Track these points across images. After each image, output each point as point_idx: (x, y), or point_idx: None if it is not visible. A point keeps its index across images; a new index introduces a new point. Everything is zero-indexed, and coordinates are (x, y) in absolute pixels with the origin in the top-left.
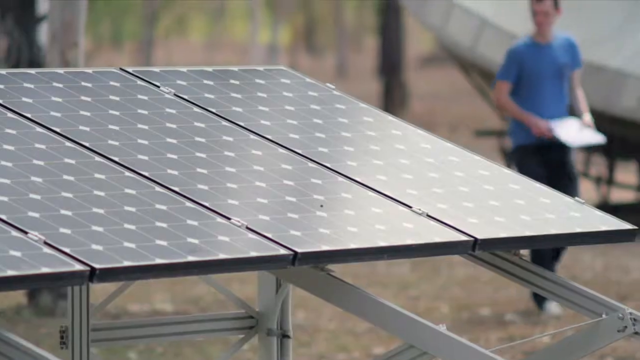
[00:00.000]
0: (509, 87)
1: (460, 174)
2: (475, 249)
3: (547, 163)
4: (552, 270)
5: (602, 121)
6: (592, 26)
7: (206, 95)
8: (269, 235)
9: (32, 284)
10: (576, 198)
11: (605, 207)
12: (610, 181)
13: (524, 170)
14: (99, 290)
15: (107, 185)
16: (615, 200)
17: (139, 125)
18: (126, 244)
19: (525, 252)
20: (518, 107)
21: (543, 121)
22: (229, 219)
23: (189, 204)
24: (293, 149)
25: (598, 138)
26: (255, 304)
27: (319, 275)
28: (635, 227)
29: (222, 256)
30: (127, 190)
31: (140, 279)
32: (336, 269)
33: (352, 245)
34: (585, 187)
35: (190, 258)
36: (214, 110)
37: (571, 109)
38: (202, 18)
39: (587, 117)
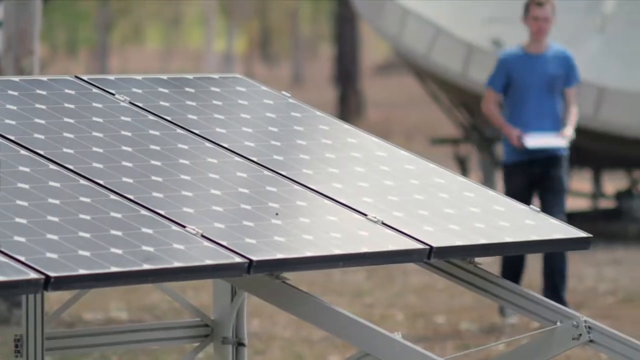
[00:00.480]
0: (496, 96)
1: (415, 181)
2: (431, 257)
3: (532, 178)
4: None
5: None
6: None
7: (161, 103)
8: (224, 243)
9: None
10: (531, 206)
11: None
12: None
13: (508, 187)
14: (54, 298)
15: (62, 193)
16: (570, 208)
17: (94, 133)
18: (81, 252)
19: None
20: (499, 117)
21: (515, 131)
22: (184, 227)
23: (144, 212)
24: (248, 156)
25: (559, 142)
26: (210, 312)
27: (274, 283)
28: (590, 235)
29: (177, 264)
30: (82, 199)
31: (95, 287)
32: (291, 276)
33: (307, 253)
34: None
35: (145, 266)
36: (169, 118)
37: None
38: (158, 26)
39: (568, 130)
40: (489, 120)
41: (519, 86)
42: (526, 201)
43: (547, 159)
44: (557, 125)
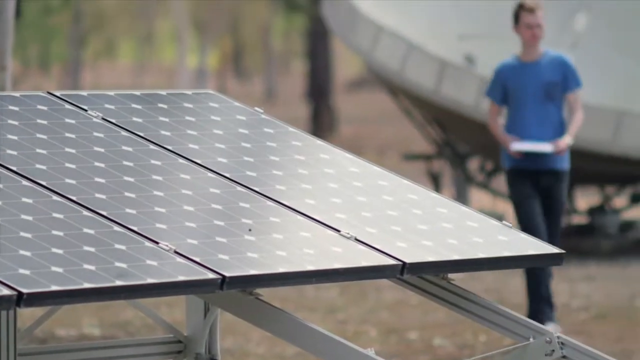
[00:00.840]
0: (497, 108)
1: (388, 197)
2: (404, 273)
3: (536, 189)
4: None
5: None
6: (509, 55)
7: (134, 119)
8: (197, 260)
9: None
10: (504, 222)
11: None
12: None
13: (513, 190)
14: (27, 314)
15: (34, 209)
16: None
17: (67, 149)
18: (54, 268)
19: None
20: (497, 127)
21: (508, 139)
22: (157, 243)
23: (117, 228)
24: (221, 172)
25: (545, 147)
26: (183, 328)
27: (247, 300)
28: (563, 251)
29: (150, 280)
30: (55, 215)
31: (67, 303)
32: (264, 292)
33: (281, 269)
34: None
35: (118, 282)
36: (142, 134)
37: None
38: (131, 41)
39: (566, 139)
40: (492, 131)
41: (515, 95)
42: (534, 201)
43: (548, 172)
44: (558, 133)
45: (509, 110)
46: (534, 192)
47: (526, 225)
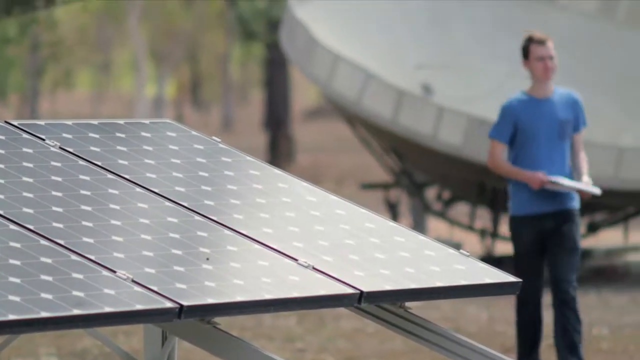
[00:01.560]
0: (503, 148)
1: (346, 226)
2: (361, 301)
3: (543, 233)
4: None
5: (486, 176)
6: (476, 83)
7: (92, 148)
8: (155, 288)
9: None
10: (461, 250)
11: (490, 259)
12: (494, 234)
13: (517, 243)
14: None
15: None
16: (499, 252)
17: (24, 178)
18: (11, 297)
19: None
20: (511, 167)
21: (537, 173)
22: (114, 272)
23: (74, 257)
24: (179, 202)
25: (595, 190)
26: (141, 357)
27: (205, 328)
28: (520, 280)
29: (107, 309)
30: (12, 244)
31: (25, 332)
32: (222, 321)
33: (238, 298)
34: (470, 239)
35: (76, 311)
36: (99, 163)
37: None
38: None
39: (586, 178)
40: (499, 174)
41: (527, 134)
42: (536, 257)
43: (559, 212)
44: (567, 174)
45: (517, 150)
46: (540, 247)
47: (523, 283)
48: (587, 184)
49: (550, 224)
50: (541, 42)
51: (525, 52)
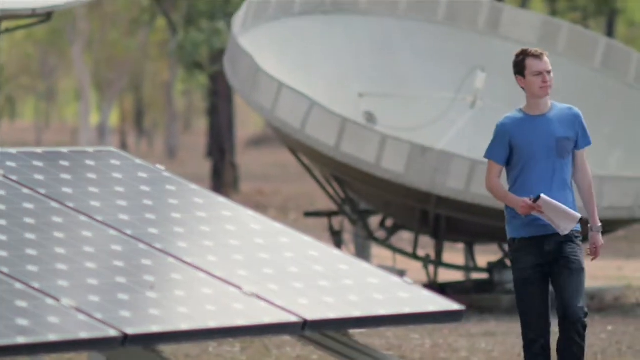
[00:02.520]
0: (498, 168)
1: (290, 254)
2: (305, 329)
3: (545, 257)
4: None
5: (429, 203)
6: (419, 112)
7: (35, 176)
8: (99, 317)
9: None
10: (404, 278)
11: (433, 286)
12: (437, 261)
13: (517, 267)
14: None
15: None
16: (442, 279)
17: None
18: None
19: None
20: (503, 190)
21: (521, 199)
22: (58, 300)
23: (18, 285)
24: (123, 230)
25: (574, 215)
26: None
27: (149, 356)
28: (463, 308)
29: (51, 338)
30: None
31: None
32: (167, 349)
33: (183, 326)
34: (414, 267)
35: (20, 340)
36: (43, 192)
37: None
38: (32, 99)
39: (597, 236)
40: (493, 196)
41: (523, 153)
42: (539, 284)
43: (556, 235)
44: (569, 194)
45: (512, 171)
46: (539, 269)
47: (526, 313)
48: (569, 211)
49: (551, 247)
50: (538, 56)
51: (520, 68)
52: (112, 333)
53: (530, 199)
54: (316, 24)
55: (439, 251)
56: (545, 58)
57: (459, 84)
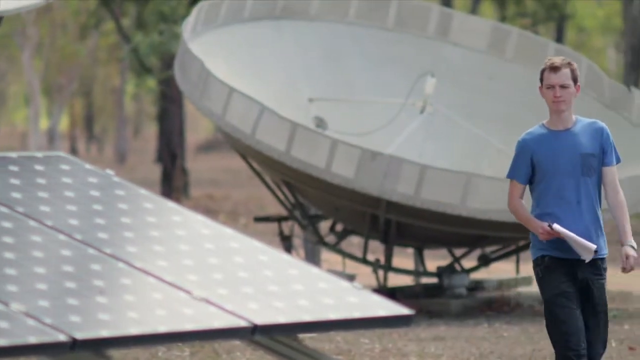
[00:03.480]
0: (520, 188)
1: (240, 259)
2: (255, 334)
3: (574, 281)
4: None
5: (378, 208)
6: (370, 118)
7: None
8: (48, 321)
9: None
10: (354, 283)
11: (383, 291)
12: (388, 266)
13: (542, 287)
14: None
15: None
16: (392, 284)
17: None
18: None
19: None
20: (525, 213)
21: (541, 223)
22: (7, 305)
23: None
24: (73, 235)
25: (590, 247)
26: None
27: None
28: (412, 312)
29: (0, 342)
30: None
31: None
32: (116, 353)
33: (132, 331)
34: (364, 272)
35: None
36: None
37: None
38: None
39: (628, 249)
40: (516, 218)
41: (546, 171)
42: (569, 300)
43: (588, 265)
44: (596, 216)
45: (535, 190)
46: (571, 286)
47: (562, 329)
48: (585, 242)
49: (583, 275)
50: (554, 69)
51: (541, 78)
52: (62, 338)
53: (548, 225)
54: (266, 30)
55: (388, 256)
56: (564, 70)
57: (409, 90)
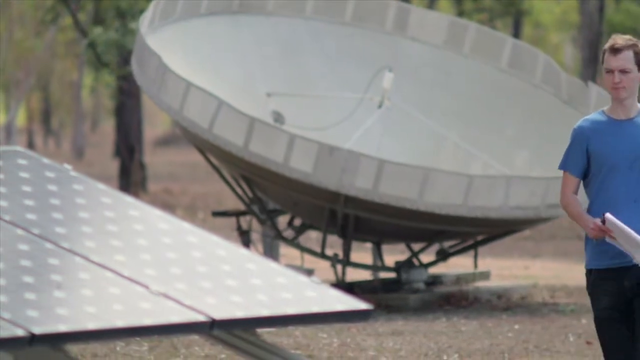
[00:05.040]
0: (574, 181)
1: (198, 254)
2: (213, 329)
3: (622, 293)
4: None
5: (337, 203)
6: (328, 113)
7: None
8: (6, 316)
9: None
10: (312, 278)
11: (341, 286)
12: (346, 261)
13: (593, 300)
14: None
15: None
16: (350, 279)
17: None
18: None
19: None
20: (577, 208)
21: (591, 220)
22: None
23: None
24: (30, 229)
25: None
26: None
27: (56, 356)
28: (371, 307)
29: None
30: None
31: None
32: (74, 348)
33: (90, 326)
34: (322, 266)
35: None
36: None
37: None
38: None
39: None
40: (568, 215)
41: (603, 164)
42: (621, 321)
43: (634, 269)
44: None
45: (590, 184)
46: (617, 303)
47: (606, 353)
48: (635, 236)
49: (632, 282)
50: (614, 51)
51: (602, 59)
52: (19, 332)
53: (601, 220)
54: (223, 25)
55: (347, 250)
56: (626, 53)
57: (367, 84)
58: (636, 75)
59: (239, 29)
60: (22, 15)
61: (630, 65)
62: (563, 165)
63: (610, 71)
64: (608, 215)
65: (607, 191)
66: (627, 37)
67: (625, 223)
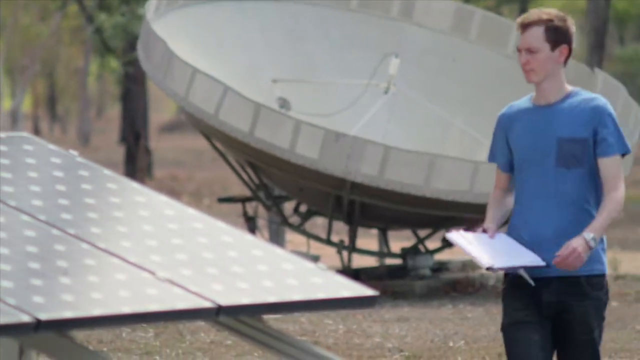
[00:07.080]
0: (500, 175)
1: (203, 240)
2: (219, 315)
3: (540, 308)
4: None
5: (342, 189)
6: (334, 99)
7: None
8: (12, 302)
9: None
10: (318, 264)
11: (347, 272)
12: (352, 247)
13: (503, 313)
14: None
15: None
16: (357, 265)
17: None
18: None
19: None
20: (489, 206)
21: (482, 227)
22: None
23: None
24: (36, 215)
25: (530, 260)
26: None
27: (63, 342)
28: (377, 293)
29: None
30: None
31: None
32: (80, 334)
33: (96, 312)
34: (328, 253)
35: None
36: None
37: None
38: None
39: (587, 238)
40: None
41: (517, 156)
42: (529, 323)
43: (557, 280)
44: (581, 217)
45: (515, 181)
46: (532, 315)
47: None
48: (524, 257)
49: (547, 296)
50: (521, 27)
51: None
52: (25, 319)
53: (482, 230)
54: (229, 11)
55: (352, 237)
56: (534, 29)
57: (373, 71)
58: (548, 54)
59: (245, 14)
60: (27, 2)
61: (539, 43)
62: (489, 157)
63: (519, 50)
64: (449, 234)
65: (523, 187)
66: (547, 10)
67: (542, 223)
